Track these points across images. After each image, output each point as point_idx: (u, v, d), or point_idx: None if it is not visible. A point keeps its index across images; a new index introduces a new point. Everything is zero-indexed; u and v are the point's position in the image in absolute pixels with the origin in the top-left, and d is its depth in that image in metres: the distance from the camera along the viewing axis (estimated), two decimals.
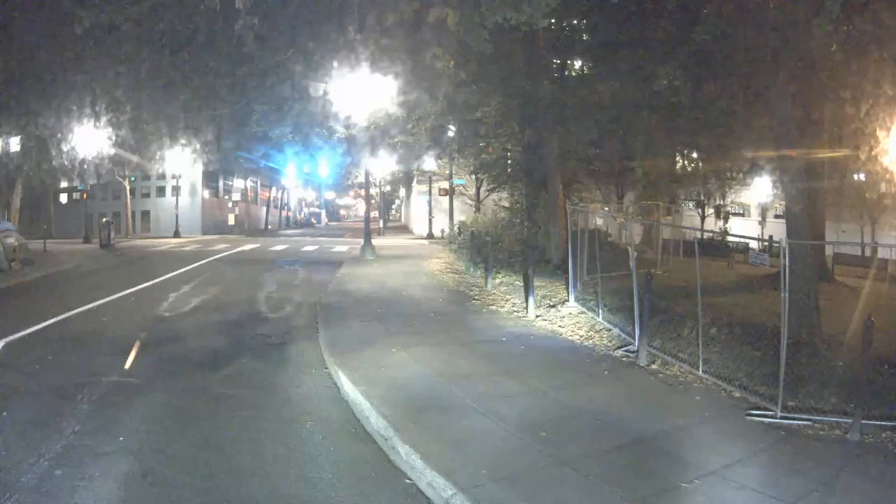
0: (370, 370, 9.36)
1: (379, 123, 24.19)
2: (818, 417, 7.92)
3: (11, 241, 21.49)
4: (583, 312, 14.06)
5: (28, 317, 13.08)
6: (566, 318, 13.73)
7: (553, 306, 14.85)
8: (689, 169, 41.85)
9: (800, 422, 7.86)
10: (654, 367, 10.19)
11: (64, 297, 16.38)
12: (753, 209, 59.27)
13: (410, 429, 7.02)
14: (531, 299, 14.22)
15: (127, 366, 9.95)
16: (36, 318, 12.93)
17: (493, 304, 15.30)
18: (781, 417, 7.94)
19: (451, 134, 28.52)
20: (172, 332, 12.51)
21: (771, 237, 37.13)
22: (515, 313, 14.27)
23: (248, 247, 34.33)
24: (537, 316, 13.90)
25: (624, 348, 11.22)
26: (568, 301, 14.99)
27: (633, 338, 11.28)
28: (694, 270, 22.70)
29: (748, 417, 8.00)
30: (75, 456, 6.45)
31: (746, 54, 13.43)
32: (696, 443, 7.08)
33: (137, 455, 6.54)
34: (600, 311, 13.21)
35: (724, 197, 50.06)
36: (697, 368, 9.64)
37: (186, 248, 32.71)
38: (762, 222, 55.97)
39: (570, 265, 15.37)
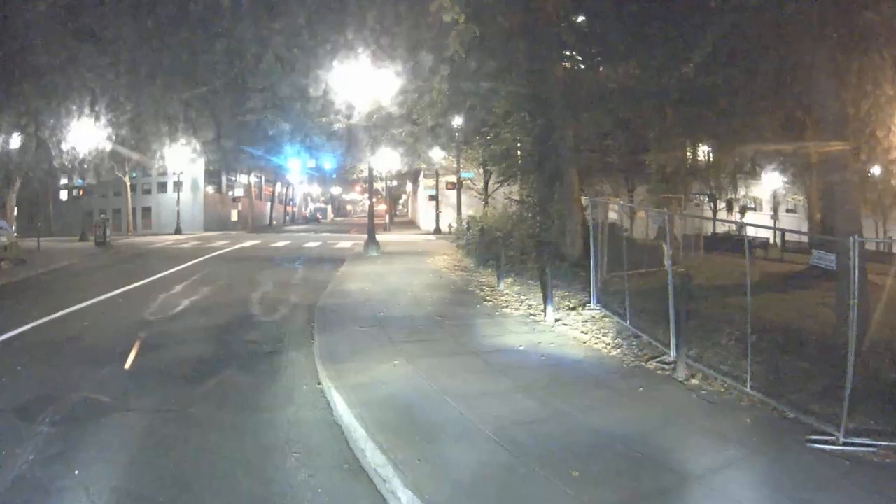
0: (368, 387, 8.20)
1: (382, 112, 23.01)
2: (885, 443, 6.75)
3: (2, 239, 20.70)
4: (607, 316, 12.83)
5: (5, 321, 12.26)
6: (589, 322, 12.50)
7: (573, 309, 13.62)
8: (706, 161, 40.61)
9: (864, 448, 6.69)
10: (693, 381, 8.90)
11: (48, 298, 15.59)
12: (766, 203, 58.10)
13: (413, 466, 5.83)
14: (549, 302, 12.98)
15: (99, 379, 8.98)
16: (14, 323, 12.14)
17: (506, 307, 14.08)
18: (844, 444, 6.75)
19: (459, 122, 27.22)
20: (155, 338, 11.44)
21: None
22: (532, 317, 13.03)
23: (248, 243, 33.28)
24: (556, 320, 12.64)
25: (657, 359, 9.98)
26: (589, 303, 13.76)
27: (668, 347, 10.08)
28: (717, 267, 21.67)
29: (809, 445, 6.80)
30: (24, 492, 5.60)
31: (787, 30, 12.18)
32: (755, 480, 5.89)
33: (92, 493, 5.59)
34: (628, 316, 11.96)
35: (735, 190, 48.75)
36: (744, 384, 8.41)
37: (184, 246, 31.70)
38: (774, 216, 54.80)
39: (591, 263, 14.10)
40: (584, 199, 20.63)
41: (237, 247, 30.75)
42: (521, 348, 10.58)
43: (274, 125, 24.43)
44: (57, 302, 14.62)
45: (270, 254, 27.55)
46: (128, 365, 9.78)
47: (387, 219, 59.40)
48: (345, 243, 33.59)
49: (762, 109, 17.97)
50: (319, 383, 8.80)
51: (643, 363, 9.87)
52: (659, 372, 9.43)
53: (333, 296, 15.22)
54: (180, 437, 6.92)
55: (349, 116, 23.90)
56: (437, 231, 45.67)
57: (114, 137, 35.56)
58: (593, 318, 12.89)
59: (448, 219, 46.78)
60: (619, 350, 10.64)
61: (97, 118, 32.14)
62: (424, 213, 56.97)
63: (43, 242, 28.26)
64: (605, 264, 14.81)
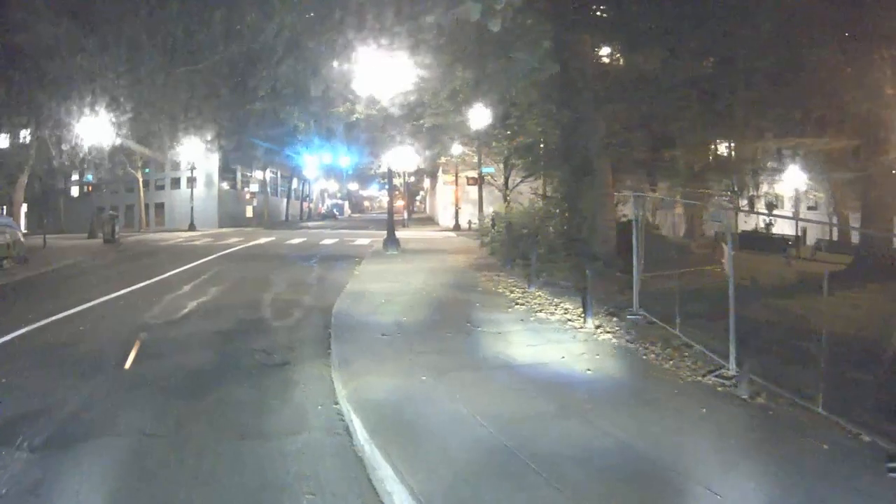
0: (393, 408, 7.03)
1: (404, 103, 21.84)
2: None
3: (5, 237, 19.81)
4: (652, 322, 11.59)
5: None
6: (633, 329, 11.28)
7: (613, 314, 12.37)
8: (729, 157, 39.34)
9: None
10: (759, 400, 7.67)
11: (46, 300, 14.57)
12: (787, 200, 56.43)
13: None
14: (589, 307, 11.75)
15: (89, 393, 7.99)
16: (4, 328, 11.19)
17: (540, 311, 12.83)
18: None
19: (481, 114, 25.98)
20: (155, 345, 10.40)
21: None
22: (570, 322, 11.79)
23: (262, 240, 32.25)
24: (597, 327, 11.39)
25: (715, 374, 8.73)
26: (631, 307, 12.52)
27: (725, 359, 8.90)
28: (751, 266, 20.33)
29: (891, 474, 5.69)
30: None
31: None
32: None
33: None
34: (678, 322, 10.72)
35: (758, 187, 47.18)
36: (815, 403, 7.22)
37: (196, 243, 30.73)
38: (796, 213, 53.20)
39: (634, 264, 12.86)
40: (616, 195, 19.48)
41: (251, 244, 29.75)
42: (562, 360, 9.34)
43: (290, 116, 23.33)
44: (55, 304, 13.67)
45: (285, 251, 26.53)
46: (122, 377, 8.78)
47: (405, 215, 58.34)
48: (362, 240, 32.51)
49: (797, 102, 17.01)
50: (336, 402, 7.67)
51: (700, 378, 8.61)
52: (719, 389, 8.18)
53: (351, 298, 14.06)
54: (165, 474, 5.84)
55: (369, 105, 22.76)
56: (457, 227, 44.64)
57: (123, 132, 34.62)
58: (637, 324, 11.67)
59: (467, 215, 45.72)
60: (670, 363, 9.38)
61: (106, 111, 31.18)
62: (443, 210, 55.98)
63: (51, 239, 27.48)
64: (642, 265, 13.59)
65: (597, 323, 11.61)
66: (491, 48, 18.83)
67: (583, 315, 11.99)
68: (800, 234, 41.22)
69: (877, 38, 16.68)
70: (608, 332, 11.11)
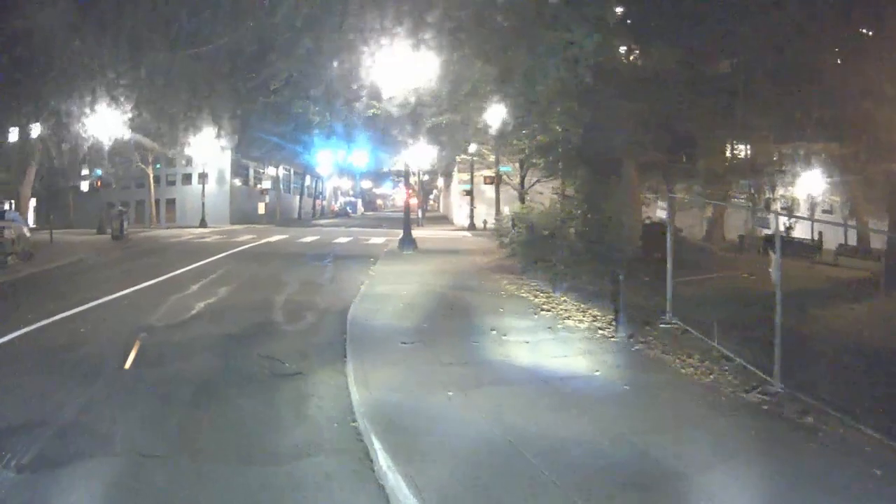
0: (418, 430, 6.30)
1: (422, 98, 21.06)
2: None
3: (9, 233, 19.20)
4: (686, 332, 10.78)
5: None
6: (667, 339, 10.48)
7: (646, 321, 11.53)
8: (746, 159, 38.43)
9: None
10: (808, 420, 6.95)
11: (48, 299, 13.91)
12: (802, 203, 55.37)
13: None
14: (622, 315, 10.95)
15: (85, 404, 7.33)
16: (1, 330, 10.53)
17: (567, 318, 12.03)
18: None
19: (499, 113, 25.20)
20: (157, 350, 9.74)
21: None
22: (601, 332, 10.99)
23: (274, 238, 31.56)
24: (630, 336, 10.62)
25: (758, 390, 7.96)
26: (664, 315, 11.71)
27: (767, 373, 8.18)
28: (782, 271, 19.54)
29: None
30: None
31: None
32: None
33: None
34: (716, 333, 9.90)
35: (774, 190, 46.17)
36: (866, 424, 6.56)
37: (207, 240, 30.09)
38: (812, 216, 52.11)
39: (668, 268, 12.05)
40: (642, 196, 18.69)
41: (263, 241, 29.07)
42: (597, 374, 8.57)
43: (306, 110, 22.59)
44: (56, 303, 13.01)
45: (298, 250, 25.83)
46: (120, 386, 8.10)
47: (419, 214, 57.56)
48: (377, 239, 31.80)
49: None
50: (354, 419, 6.93)
51: (743, 394, 7.87)
52: (765, 407, 7.44)
53: (368, 300, 13.31)
54: (168, 495, 5.23)
55: (387, 101, 21.99)
56: (472, 227, 43.96)
57: (132, 125, 34.04)
58: (671, 333, 10.88)
59: (482, 214, 44.96)
60: (711, 377, 8.59)
61: (114, 105, 30.59)
62: (458, 209, 55.29)
63: (58, 235, 26.92)
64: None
65: (629, 331, 10.82)
66: (537, 32, 17.98)
67: (613, 323, 11.25)
68: (815, 238, 40.23)
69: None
70: (641, 342, 10.35)
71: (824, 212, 55.23)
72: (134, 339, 10.11)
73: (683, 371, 8.91)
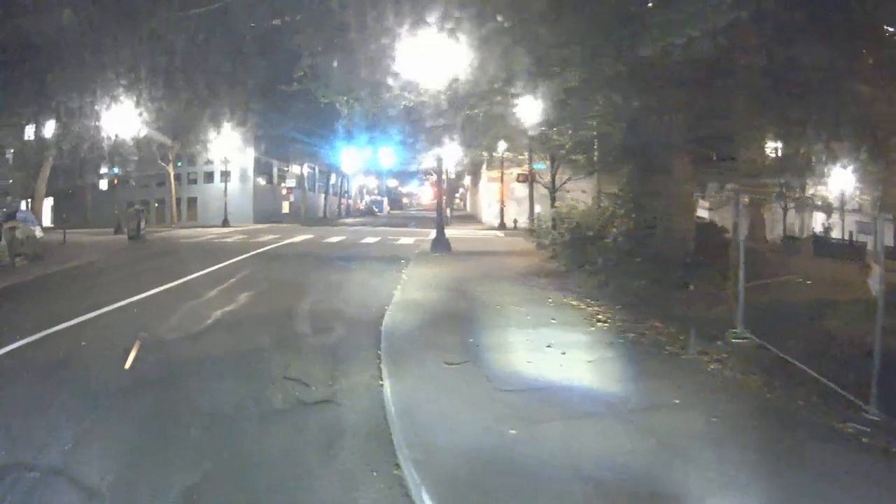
0: (476, 481, 5.00)
1: (458, 90, 19.74)
2: None
3: (18, 233, 18.27)
4: (761, 347, 9.37)
5: None
6: (742, 356, 9.07)
7: (714, 336, 10.09)
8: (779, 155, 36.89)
9: None
10: None
11: (52, 305, 12.88)
12: (833, 202, 53.72)
13: None
14: (692, 330, 9.56)
15: (75, 438, 6.16)
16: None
17: (626, 330, 10.56)
18: None
19: (534, 107, 23.85)
20: (165, 368, 8.57)
21: None
22: (667, 348, 9.55)
23: (299, 238, 30.40)
24: (701, 353, 9.21)
25: (853, 420, 6.68)
26: (735, 328, 10.27)
27: (863, 399, 6.92)
28: (833, 274, 17.91)
29: None
30: None
31: None
32: None
33: None
34: (796, 350, 8.51)
35: (804, 189, 44.64)
36: None
37: (228, 240, 28.97)
38: (842, 215, 50.49)
39: (739, 275, 10.62)
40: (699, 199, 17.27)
41: (287, 241, 27.90)
42: (677, 402, 7.17)
43: (333, 98, 21.37)
44: (60, 310, 11.86)
45: (324, 251, 24.61)
46: (117, 416, 6.86)
47: (448, 212, 56.41)
48: (406, 239, 30.59)
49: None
50: (397, 465, 5.59)
51: (836, 424, 6.60)
52: (864, 439, 6.23)
53: (402, 310, 11.96)
54: None
55: (419, 94, 20.68)
56: (502, 226, 42.66)
57: (153, 122, 33.16)
58: (744, 349, 9.48)
59: (512, 213, 43.69)
60: (797, 402, 7.26)
61: (132, 97, 29.69)
62: (487, 207, 54.06)
63: (74, 235, 25.94)
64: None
65: (699, 348, 9.41)
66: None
67: (680, 337, 9.88)
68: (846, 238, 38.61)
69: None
70: (717, 362, 8.91)
71: (852, 210, 53.54)
72: (141, 354, 8.95)
73: (769, 396, 7.53)
